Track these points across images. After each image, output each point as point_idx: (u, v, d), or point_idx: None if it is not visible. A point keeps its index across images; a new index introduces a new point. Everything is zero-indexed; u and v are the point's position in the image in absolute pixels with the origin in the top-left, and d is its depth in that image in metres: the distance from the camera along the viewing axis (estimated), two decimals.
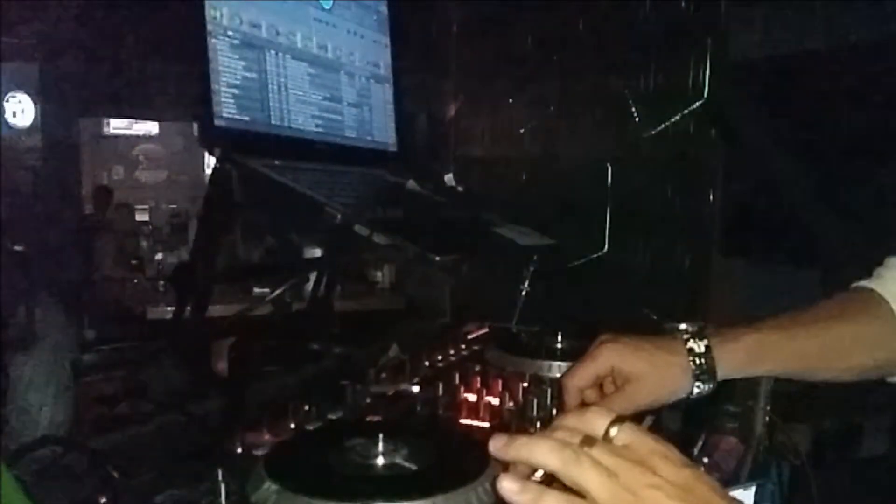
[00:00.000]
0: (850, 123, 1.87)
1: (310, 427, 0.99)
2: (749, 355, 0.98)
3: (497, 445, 0.64)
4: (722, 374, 0.96)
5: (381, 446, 0.83)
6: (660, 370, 0.95)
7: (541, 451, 0.61)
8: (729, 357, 0.96)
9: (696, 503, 0.59)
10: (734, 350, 0.97)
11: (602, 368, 0.95)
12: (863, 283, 1.06)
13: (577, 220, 2.16)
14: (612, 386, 0.97)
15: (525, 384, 1.14)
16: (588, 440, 0.62)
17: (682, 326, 0.98)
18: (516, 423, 1.04)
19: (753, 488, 1.00)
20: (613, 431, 0.62)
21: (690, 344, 0.95)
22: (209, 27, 1.15)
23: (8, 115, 1.82)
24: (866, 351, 1.03)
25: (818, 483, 1.18)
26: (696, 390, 0.95)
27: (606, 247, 2.12)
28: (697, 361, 0.95)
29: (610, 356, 0.95)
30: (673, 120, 2.05)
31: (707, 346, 0.95)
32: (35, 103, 1.89)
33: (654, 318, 1.71)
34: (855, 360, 1.03)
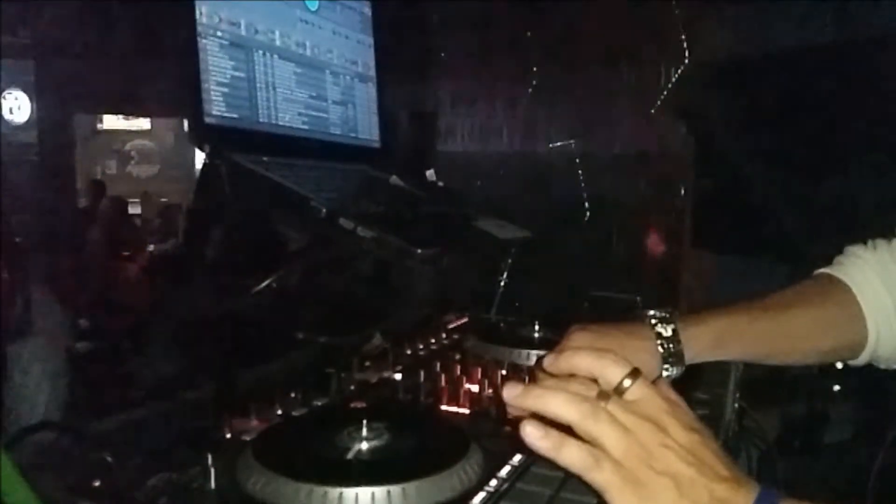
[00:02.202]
0: (816, 120, 1.91)
1: (296, 413, 1.01)
2: (715, 339, 1.00)
3: (512, 393, 0.65)
4: (689, 357, 0.98)
5: (365, 431, 0.85)
6: (628, 354, 0.97)
7: (557, 404, 0.62)
8: (696, 341, 0.99)
9: (701, 466, 0.61)
10: (701, 334, 0.99)
11: None
12: (824, 269, 1.09)
13: (554, 214, 2.20)
14: None
15: (503, 372, 1.16)
16: (603, 395, 0.63)
17: (651, 312, 1.00)
18: (495, 409, 1.05)
19: None
20: (627, 383, 0.64)
21: (658, 328, 0.98)
22: (199, 28, 1.18)
23: (5, 112, 1.83)
24: (829, 334, 1.05)
25: (785, 467, 1.22)
26: (664, 373, 0.97)
27: (581, 240, 2.16)
28: (665, 345, 0.97)
29: (580, 343, 0.97)
30: (646, 115, 2.09)
31: (674, 330, 0.98)
32: (31, 100, 1.90)
33: (628, 306, 1.74)
34: (818, 344, 1.05)
